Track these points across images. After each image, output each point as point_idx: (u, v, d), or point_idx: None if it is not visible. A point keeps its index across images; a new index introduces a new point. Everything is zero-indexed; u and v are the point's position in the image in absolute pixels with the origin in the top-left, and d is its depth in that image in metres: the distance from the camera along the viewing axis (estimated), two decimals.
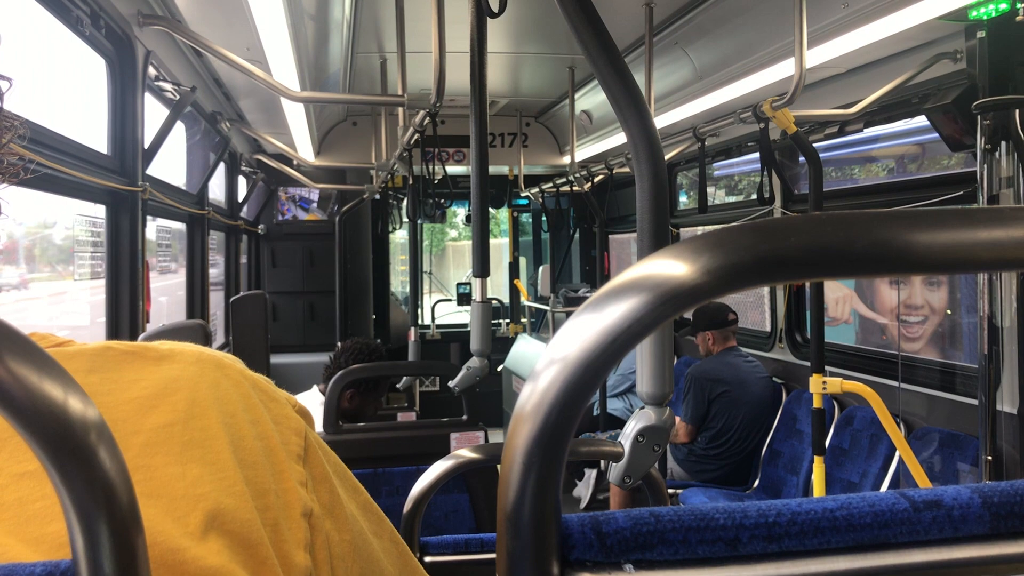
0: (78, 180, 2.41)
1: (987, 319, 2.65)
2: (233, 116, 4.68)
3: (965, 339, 3.67)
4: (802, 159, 4.03)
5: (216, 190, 5.39)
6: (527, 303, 7.25)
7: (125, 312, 2.89)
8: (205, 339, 3.25)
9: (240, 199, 5.96)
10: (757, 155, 3.83)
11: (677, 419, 4.43)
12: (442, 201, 4.85)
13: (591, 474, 5.15)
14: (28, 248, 3.00)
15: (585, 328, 0.35)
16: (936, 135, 3.01)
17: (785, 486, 4.13)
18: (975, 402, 2.81)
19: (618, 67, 1.32)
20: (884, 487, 3.39)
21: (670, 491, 4.25)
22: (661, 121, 4.42)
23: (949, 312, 3.84)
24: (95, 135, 2.81)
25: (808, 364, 3.08)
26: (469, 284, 7.69)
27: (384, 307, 7.51)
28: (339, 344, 3.41)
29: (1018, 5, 2.49)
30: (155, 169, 3.23)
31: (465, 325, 7.72)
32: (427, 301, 8.72)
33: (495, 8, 2.10)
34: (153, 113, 3.22)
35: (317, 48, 3.60)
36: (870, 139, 4.17)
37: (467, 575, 1.48)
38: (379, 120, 5.48)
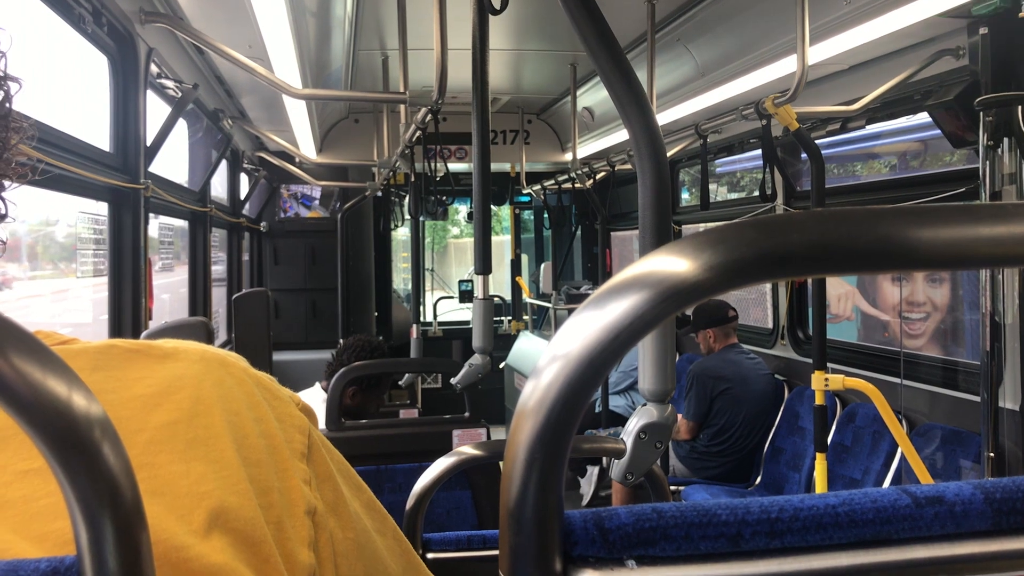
0: (81, 178, 2.42)
1: (989, 316, 2.65)
2: (235, 113, 4.68)
3: (967, 336, 3.67)
4: (804, 156, 4.03)
5: (218, 187, 5.40)
6: (529, 300, 7.25)
7: (128, 309, 2.89)
8: (208, 336, 3.26)
9: (242, 196, 5.97)
10: (759, 152, 3.82)
11: (679, 416, 4.43)
12: (444, 198, 4.85)
13: (593, 471, 5.16)
14: (31, 245, 3.00)
15: (587, 325, 0.35)
16: (938, 132, 3.00)
17: (787, 483, 4.13)
18: (977, 399, 2.80)
19: (620, 64, 1.32)
20: (886, 484, 3.39)
21: (672, 488, 4.25)
22: (663, 118, 4.41)
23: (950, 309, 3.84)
24: (97, 132, 2.81)
25: (810, 361, 3.07)
26: (471, 281, 7.68)
27: (386, 304, 7.51)
28: (341, 341, 3.41)
29: (1021, 1, 2.49)
30: (157, 167, 3.23)
31: (467, 322, 7.71)
32: (429, 298, 8.72)
33: (497, 5, 2.10)
34: (155, 110, 3.22)
35: (319, 45, 3.60)
36: (872, 136, 4.16)
37: (470, 572, 1.48)
38: (381, 117, 5.47)
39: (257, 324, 5.03)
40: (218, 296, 5.24)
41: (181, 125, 4.01)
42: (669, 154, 4.39)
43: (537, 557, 0.38)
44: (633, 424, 1.42)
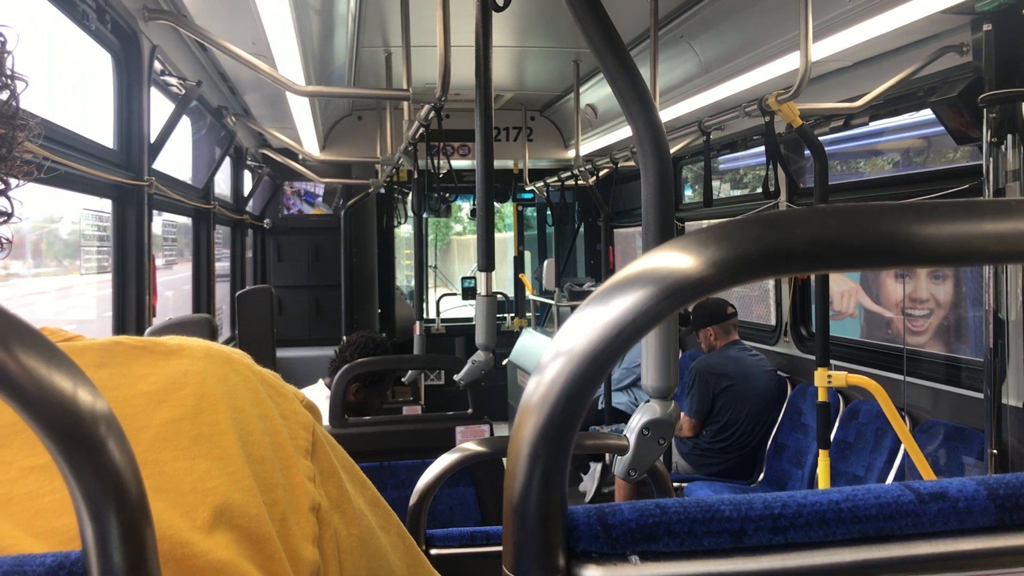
0: (84, 175, 2.42)
1: (992, 313, 2.65)
2: (239, 111, 4.68)
3: (970, 332, 3.66)
4: (807, 152, 4.02)
5: (222, 185, 5.40)
6: (532, 297, 7.25)
7: (132, 306, 2.90)
8: (211, 333, 3.25)
9: (246, 193, 5.98)
10: (762, 149, 3.82)
11: (682, 413, 4.43)
12: (447, 195, 4.85)
13: (596, 467, 5.16)
14: (35, 242, 3.01)
15: (591, 321, 0.35)
16: (942, 128, 3.00)
17: (790, 480, 4.13)
18: (980, 395, 2.80)
19: (623, 60, 1.32)
20: (889, 481, 3.39)
21: (675, 485, 4.25)
22: (666, 115, 4.41)
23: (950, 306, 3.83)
24: (101, 130, 2.81)
25: (813, 358, 3.07)
26: (474, 278, 7.70)
27: (389, 301, 7.51)
28: (345, 338, 3.42)
29: None
30: (161, 164, 3.23)
31: (470, 319, 7.72)
32: (432, 295, 8.72)
33: (500, 2, 2.10)
34: (159, 108, 3.22)
35: (322, 42, 3.60)
36: (875, 132, 4.15)
37: (473, 568, 1.48)
38: (384, 114, 5.47)
39: (261, 321, 5.04)
40: (222, 293, 5.25)
41: (185, 122, 4.02)
42: (672, 151, 4.39)
43: (541, 552, 0.38)
44: (636, 420, 1.42)
